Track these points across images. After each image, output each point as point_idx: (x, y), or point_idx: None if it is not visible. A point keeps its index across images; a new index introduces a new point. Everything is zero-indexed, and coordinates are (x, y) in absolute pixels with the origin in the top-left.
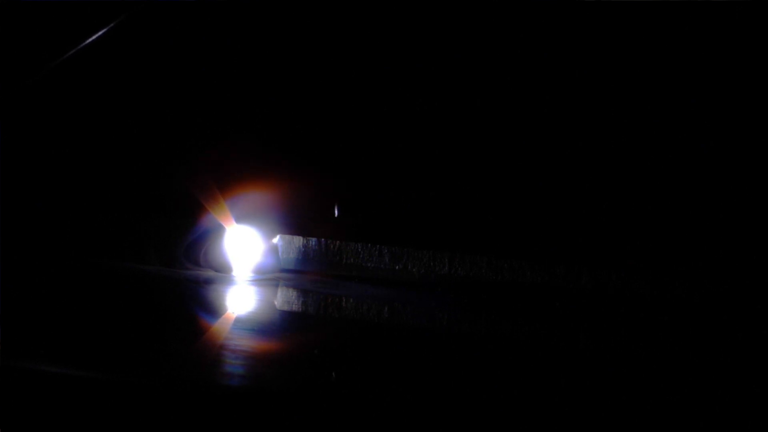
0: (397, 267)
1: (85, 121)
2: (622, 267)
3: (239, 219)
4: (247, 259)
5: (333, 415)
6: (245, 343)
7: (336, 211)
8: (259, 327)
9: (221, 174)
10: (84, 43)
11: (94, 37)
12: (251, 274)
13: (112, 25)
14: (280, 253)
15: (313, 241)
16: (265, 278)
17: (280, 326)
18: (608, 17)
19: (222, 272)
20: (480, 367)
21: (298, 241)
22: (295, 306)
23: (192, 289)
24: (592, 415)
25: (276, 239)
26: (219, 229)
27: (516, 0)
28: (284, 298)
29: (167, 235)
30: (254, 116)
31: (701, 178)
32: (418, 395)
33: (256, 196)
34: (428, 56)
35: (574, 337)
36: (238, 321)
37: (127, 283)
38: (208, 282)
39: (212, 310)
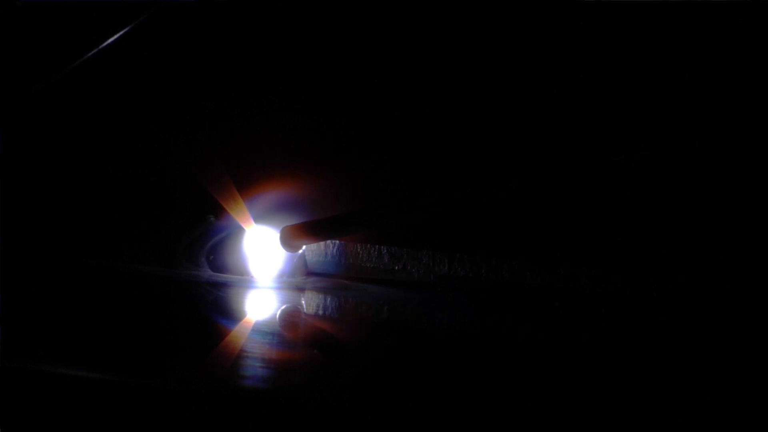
0: (396, 267)
1: (85, 120)
2: (622, 268)
3: (251, 220)
4: (248, 263)
5: (333, 416)
6: (241, 344)
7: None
8: (256, 328)
9: (233, 173)
10: (84, 44)
11: (94, 38)
12: (251, 277)
13: (130, 27)
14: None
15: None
16: (263, 281)
17: (277, 327)
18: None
19: (222, 274)
20: (480, 367)
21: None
22: (293, 306)
23: (192, 289)
24: (592, 415)
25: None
26: (231, 231)
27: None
28: (281, 299)
29: (176, 235)
30: (256, 116)
31: (701, 179)
32: (419, 396)
33: (262, 197)
34: (429, 57)
35: (575, 337)
36: (233, 322)
37: (131, 284)
38: (210, 282)
39: (212, 309)
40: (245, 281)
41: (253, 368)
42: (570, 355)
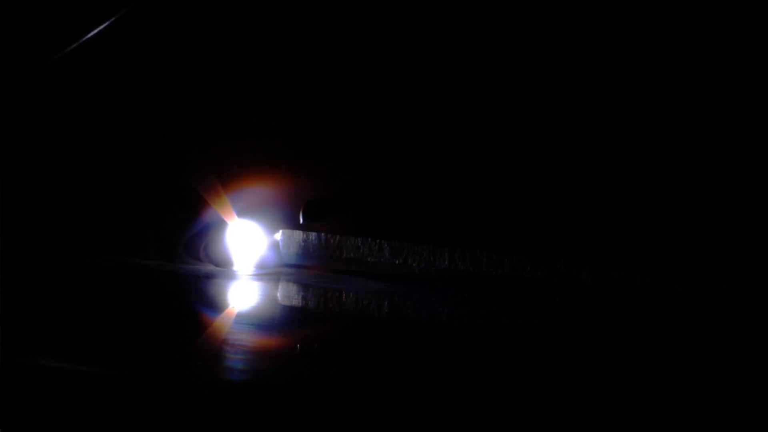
0: (397, 261)
1: (84, 118)
2: (621, 263)
3: (241, 214)
4: (248, 254)
5: (333, 410)
6: (246, 338)
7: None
8: (260, 322)
9: (223, 169)
10: (83, 40)
11: (92, 33)
12: (253, 269)
13: (112, 20)
14: (280, 248)
15: (312, 235)
16: (266, 273)
17: (281, 321)
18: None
19: (223, 267)
20: (480, 361)
21: (297, 235)
22: (296, 301)
23: (193, 284)
24: (592, 410)
25: (278, 234)
26: (220, 224)
27: None
28: (285, 293)
29: (168, 229)
30: (255, 112)
31: (699, 178)
32: (418, 390)
33: (257, 192)
34: (429, 59)
35: (574, 331)
36: (240, 316)
37: (127, 279)
38: (210, 277)
39: (214, 305)
40: (233, 273)
41: (255, 363)
42: (570, 349)
